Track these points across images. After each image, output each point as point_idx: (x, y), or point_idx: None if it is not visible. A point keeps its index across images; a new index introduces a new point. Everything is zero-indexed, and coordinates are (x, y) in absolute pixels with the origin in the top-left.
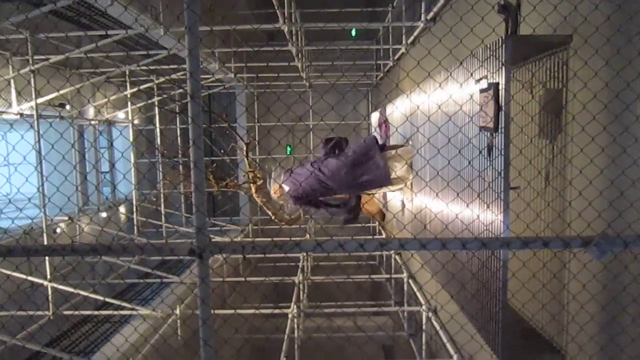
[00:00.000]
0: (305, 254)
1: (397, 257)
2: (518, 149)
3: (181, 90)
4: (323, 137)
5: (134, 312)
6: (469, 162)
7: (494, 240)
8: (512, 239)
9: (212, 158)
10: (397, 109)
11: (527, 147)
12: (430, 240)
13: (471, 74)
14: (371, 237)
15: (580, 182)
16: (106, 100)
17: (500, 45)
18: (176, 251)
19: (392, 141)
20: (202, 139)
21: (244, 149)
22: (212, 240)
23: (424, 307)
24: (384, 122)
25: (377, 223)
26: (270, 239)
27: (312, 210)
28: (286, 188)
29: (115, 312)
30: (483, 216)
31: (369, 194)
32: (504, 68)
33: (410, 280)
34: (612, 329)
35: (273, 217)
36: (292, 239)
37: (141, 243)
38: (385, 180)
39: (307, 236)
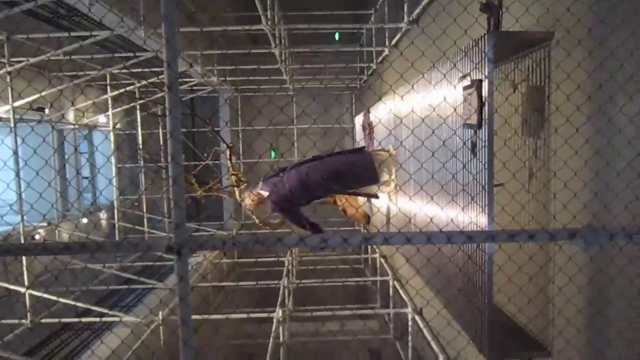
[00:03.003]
0: (290, 257)
1: (382, 259)
2: (502, 143)
3: (163, 94)
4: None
5: (116, 319)
6: (454, 154)
7: (479, 233)
8: (497, 232)
9: (195, 162)
10: (381, 111)
11: (511, 141)
12: (415, 234)
13: (456, 68)
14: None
15: (564, 173)
16: (87, 103)
17: (483, 41)
18: (153, 247)
19: (377, 143)
20: (180, 132)
21: (228, 152)
22: (191, 236)
23: (409, 309)
24: (368, 125)
25: (362, 226)
26: (251, 233)
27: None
28: (265, 193)
29: (97, 320)
30: (468, 210)
31: (353, 194)
32: (486, 64)
33: (396, 283)
34: (599, 323)
35: (258, 222)
36: (275, 234)
37: (116, 241)
38: (373, 178)
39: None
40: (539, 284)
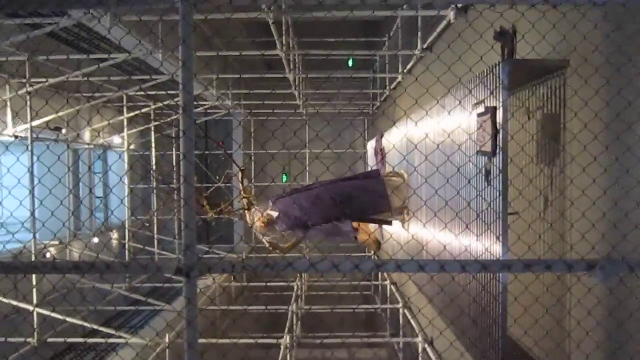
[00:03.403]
0: (300, 282)
1: (393, 287)
2: (517, 171)
3: (178, 116)
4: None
5: (122, 341)
6: (469, 182)
7: (494, 262)
8: (513, 262)
9: (208, 185)
10: (394, 137)
11: (527, 169)
12: (428, 261)
13: (471, 94)
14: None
15: (582, 203)
16: (103, 124)
17: (497, 69)
18: (163, 269)
19: (388, 169)
20: (193, 153)
21: (240, 175)
22: (201, 258)
23: (420, 338)
24: (381, 151)
25: (372, 253)
26: (262, 258)
27: (302, 232)
28: (274, 214)
29: (103, 341)
30: (483, 238)
31: (365, 220)
32: (501, 92)
33: (407, 311)
34: (620, 359)
35: (269, 246)
36: (285, 257)
37: (126, 261)
38: (385, 205)
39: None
40: (556, 316)
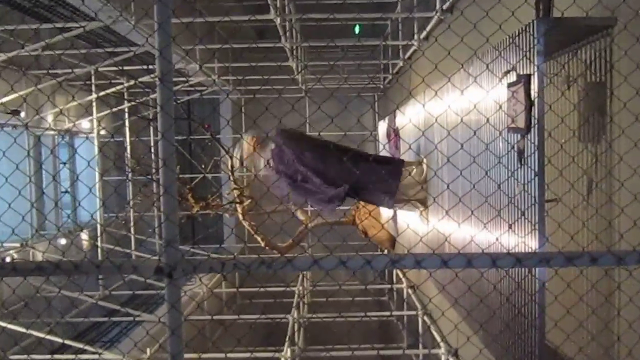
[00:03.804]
0: (301, 285)
1: (409, 290)
2: (555, 149)
3: (155, 95)
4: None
5: (95, 357)
6: (498, 161)
7: (530, 255)
8: (552, 254)
9: (192, 175)
10: (409, 117)
11: (567, 146)
12: (452, 255)
13: (501, 57)
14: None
15: (633, 184)
16: (69, 106)
17: (531, 29)
18: (140, 269)
19: (403, 155)
20: (173, 131)
21: (229, 163)
22: (185, 257)
23: (442, 348)
24: (393, 133)
25: (385, 250)
26: (256, 256)
27: (288, 184)
28: (271, 146)
29: (72, 357)
30: (516, 228)
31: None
32: (536, 56)
33: (426, 318)
34: None
35: (264, 245)
36: (284, 255)
37: (97, 260)
38: (392, 186)
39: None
40: (604, 318)
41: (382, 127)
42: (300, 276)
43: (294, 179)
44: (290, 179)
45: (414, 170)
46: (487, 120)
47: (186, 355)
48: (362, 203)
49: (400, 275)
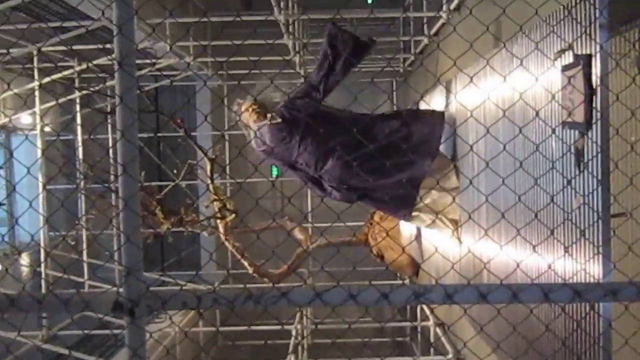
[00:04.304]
0: (300, 324)
1: (438, 329)
2: (624, 150)
3: (114, 82)
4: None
5: None
6: (551, 166)
7: (592, 286)
8: (621, 285)
9: (160, 183)
10: (436, 103)
11: (637, 148)
12: (493, 287)
13: (554, 33)
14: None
15: None
16: (4, 95)
17: None
18: (93, 305)
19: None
20: (136, 130)
21: (208, 168)
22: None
23: None
24: None
25: (407, 279)
26: (242, 287)
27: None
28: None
29: None
30: (575, 251)
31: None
32: (598, 31)
33: None
34: None
35: (252, 272)
36: (277, 288)
37: (39, 293)
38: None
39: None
40: None
41: None
42: (299, 312)
43: (290, 158)
44: (288, 157)
45: (449, 174)
46: (537, 113)
47: None
48: (376, 219)
49: (427, 312)
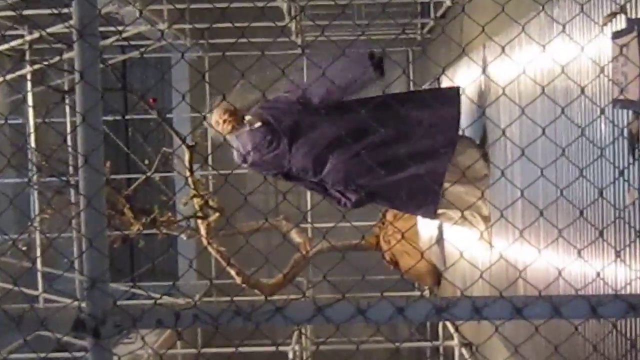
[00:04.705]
0: (298, 344)
1: (464, 349)
2: None
3: (73, 55)
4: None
5: None
6: (600, 154)
7: None
8: None
9: (129, 176)
10: (462, 86)
11: None
12: (531, 299)
13: None
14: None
15: None
16: None
17: None
18: (50, 323)
19: None
20: (100, 111)
21: (187, 157)
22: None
23: None
24: None
25: (426, 289)
26: (228, 300)
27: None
28: (255, 123)
29: None
30: (628, 256)
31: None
32: None
33: None
34: None
35: (240, 282)
36: (271, 302)
37: None
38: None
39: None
40: None
41: None
42: (297, 331)
43: (281, 165)
44: (280, 164)
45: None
46: (582, 90)
47: None
48: (389, 218)
49: (451, 330)
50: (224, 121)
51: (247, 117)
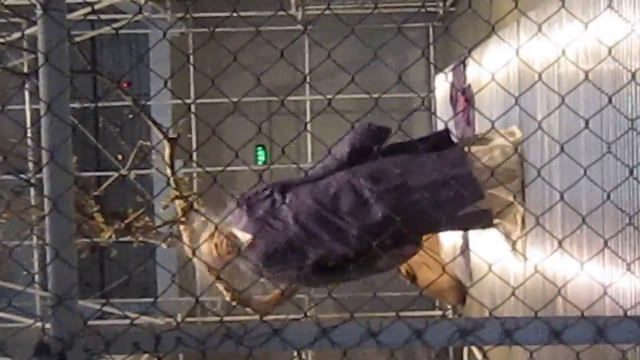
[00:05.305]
0: None
1: None
2: None
3: (35, 31)
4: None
5: None
6: None
7: None
8: None
9: (100, 173)
10: (491, 69)
11: None
12: (571, 320)
13: None
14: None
15: None
16: None
17: None
18: (9, 347)
19: (479, 128)
20: (67, 98)
21: (167, 152)
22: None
23: None
24: (463, 97)
25: (449, 308)
26: (216, 319)
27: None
28: (244, 235)
29: None
30: None
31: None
32: None
33: None
34: None
35: (230, 299)
36: (267, 323)
37: None
38: (472, 187)
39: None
40: None
41: (443, 86)
42: (297, 357)
43: (301, 264)
44: (298, 266)
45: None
46: (633, 76)
47: None
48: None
49: (478, 356)
50: (218, 242)
51: (235, 235)
